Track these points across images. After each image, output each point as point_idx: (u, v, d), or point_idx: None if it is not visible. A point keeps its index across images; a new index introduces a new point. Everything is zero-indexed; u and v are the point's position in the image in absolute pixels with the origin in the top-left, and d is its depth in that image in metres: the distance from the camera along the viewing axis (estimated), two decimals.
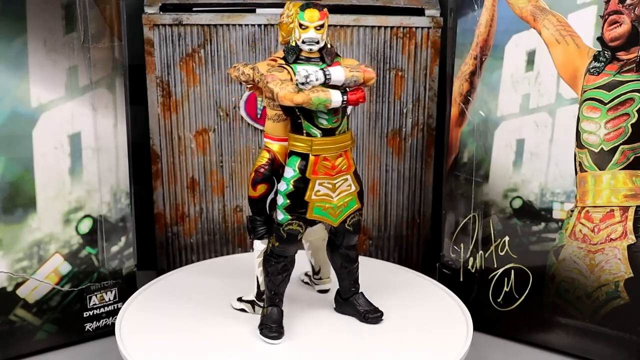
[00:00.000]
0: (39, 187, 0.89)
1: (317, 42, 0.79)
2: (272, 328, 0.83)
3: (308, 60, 0.80)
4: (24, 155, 0.88)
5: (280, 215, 0.82)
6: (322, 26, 0.78)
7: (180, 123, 1.05)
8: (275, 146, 0.85)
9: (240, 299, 0.90)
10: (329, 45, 0.80)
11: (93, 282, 0.96)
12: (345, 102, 0.78)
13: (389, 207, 1.10)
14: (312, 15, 0.78)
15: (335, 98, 0.77)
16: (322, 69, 0.77)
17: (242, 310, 0.89)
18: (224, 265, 1.01)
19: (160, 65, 1.02)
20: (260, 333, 0.84)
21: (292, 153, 0.81)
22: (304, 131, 0.80)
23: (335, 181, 0.81)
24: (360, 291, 0.89)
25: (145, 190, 1.11)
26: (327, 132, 0.79)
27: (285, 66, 0.79)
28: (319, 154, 0.80)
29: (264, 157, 0.85)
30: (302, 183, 0.81)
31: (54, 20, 0.86)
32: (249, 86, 0.85)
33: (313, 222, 0.85)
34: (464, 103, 0.95)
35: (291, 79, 0.77)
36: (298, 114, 0.79)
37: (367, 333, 0.86)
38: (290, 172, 0.81)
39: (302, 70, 0.77)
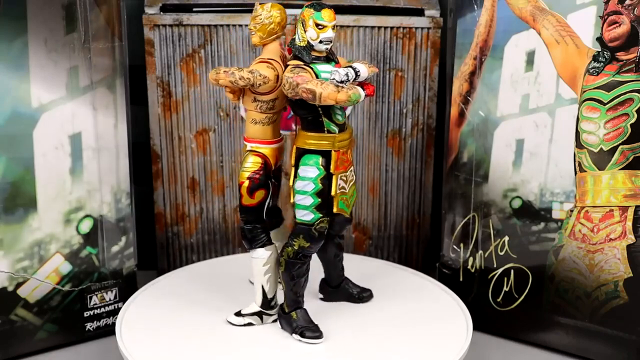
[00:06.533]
0: (39, 187, 0.90)
1: (331, 41, 0.80)
2: (312, 328, 0.84)
3: (317, 59, 0.81)
4: (24, 155, 0.88)
5: (310, 215, 0.82)
6: (335, 26, 0.80)
7: (181, 123, 1.05)
8: (267, 150, 0.84)
9: (239, 314, 0.88)
10: None
11: (93, 282, 0.96)
12: (365, 96, 0.80)
13: (389, 207, 1.11)
14: (330, 15, 0.80)
15: (362, 93, 0.79)
16: (351, 67, 0.79)
17: (249, 324, 0.87)
18: (224, 265, 1.02)
19: (160, 65, 1.02)
20: (303, 337, 0.84)
21: (307, 152, 0.82)
22: (325, 128, 0.81)
23: (347, 173, 0.84)
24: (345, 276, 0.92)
25: (145, 190, 1.11)
26: (341, 128, 0.82)
27: (305, 67, 0.79)
28: (339, 149, 0.82)
29: (257, 163, 0.84)
30: (327, 179, 0.82)
31: (55, 20, 0.86)
32: (229, 92, 0.83)
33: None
34: (464, 103, 0.95)
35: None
36: (320, 112, 0.80)
37: (366, 332, 0.86)
38: (314, 171, 0.82)
39: (341, 69, 0.78)
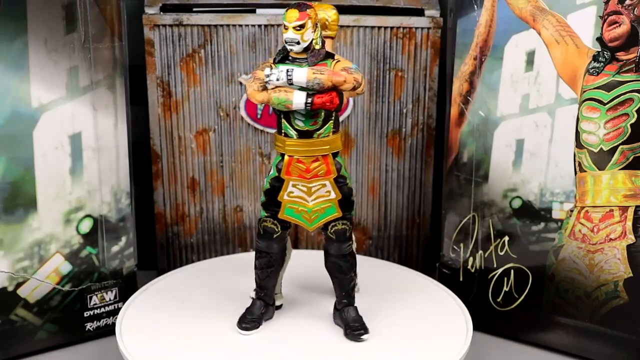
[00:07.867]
0: (39, 187, 0.90)
1: (298, 43, 0.77)
2: (246, 319, 0.85)
3: (295, 60, 0.79)
4: (24, 155, 0.88)
5: (261, 211, 0.83)
6: (302, 26, 0.77)
7: (181, 123, 1.05)
8: None
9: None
10: (317, 46, 0.79)
11: (93, 281, 0.96)
12: (309, 105, 0.77)
13: (389, 207, 1.11)
14: (291, 16, 0.77)
15: (297, 100, 0.77)
16: (287, 69, 0.77)
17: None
18: (224, 265, 1.02)
19: (160, 65, 1.02)
20: (237, 322, 0.86)
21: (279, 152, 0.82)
22: (282, 131, 0.80)
23: (311, 185, 0.81)
24: (354, 305, 0.86)
25: (145, 190, 1.11)
26: (304, 134, 0.79)
27: (270, 65, 0.79)
28: (292, 155, 0.80)
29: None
30: (278, 182, 0.81)
31: (55, 20, 0.86)
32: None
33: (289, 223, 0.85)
34: (464, 103, 0.95)
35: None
36: (278, 113, 0.79)
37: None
38: (271, 170, 0.82)
39: (267, 69, 0.77)
